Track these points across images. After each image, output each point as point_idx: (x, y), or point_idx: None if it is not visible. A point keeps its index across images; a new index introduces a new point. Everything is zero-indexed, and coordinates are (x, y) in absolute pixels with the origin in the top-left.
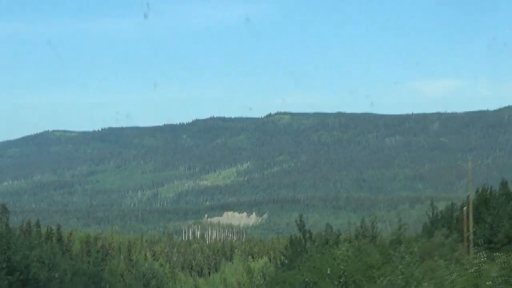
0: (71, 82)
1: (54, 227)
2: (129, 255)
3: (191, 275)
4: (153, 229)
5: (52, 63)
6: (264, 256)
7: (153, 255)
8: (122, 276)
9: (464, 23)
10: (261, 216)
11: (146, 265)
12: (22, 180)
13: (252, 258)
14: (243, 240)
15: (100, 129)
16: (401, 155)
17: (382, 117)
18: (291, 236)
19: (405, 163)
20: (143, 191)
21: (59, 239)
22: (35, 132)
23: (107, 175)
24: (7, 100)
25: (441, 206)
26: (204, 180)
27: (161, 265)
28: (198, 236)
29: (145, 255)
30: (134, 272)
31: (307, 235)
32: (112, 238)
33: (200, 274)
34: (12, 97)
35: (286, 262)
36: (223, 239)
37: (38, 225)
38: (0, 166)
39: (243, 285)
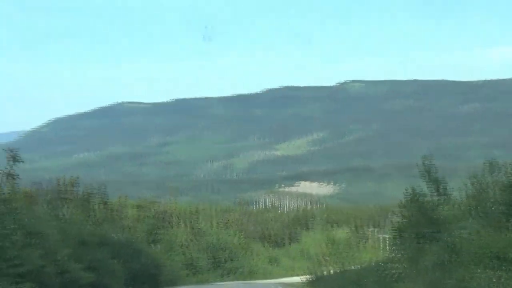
0: (142, 53)
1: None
2: (192, 222)
3: (267, 246)
4: (226, 199)
5: (124, 35)
6: (347, 225)
7: (224, 223)
8: (184, 247)
9: None
10: (336, 185)
11: (215, 234)
12: (95, 152)
13: (332, 227)
14: (321, 208)
15: (171, 100)
16: (478, 122)
17: (457, 84)
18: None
19: (482, 131)
20: (215, 162)
21: (105, 204)
22: (107, 104)
23: (179, 146)
24: (79, 73)
25: None
26: (276, 150)
27: (234, 234)
28: (273, 205)
29: (213, 223)
30: (199, 242)
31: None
32: (175, 204)
33: (277, 244)
34: (85, 70)
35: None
36: (300, 208)
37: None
38: (73, 138)
39: (326, 256)
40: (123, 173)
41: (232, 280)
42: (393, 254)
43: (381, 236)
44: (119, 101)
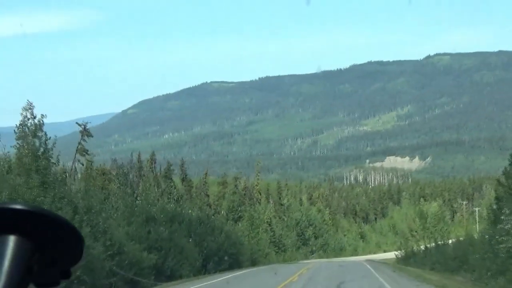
0: (228, 32)
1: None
2: (280, 199)
3: (355, 222)
4: (313, 176)
5: (209, 15)
6: (437, 198)
7: (310, 198)
8: (269, 224)
9: None
10: (425, 160)
11: (302, 210)
12: (182, 132)
13: (424, 200)
14: (409, 183)
15: (257, 79)
16: None
17: None
18: None
19: None
20: (302, 139)
21: (183, 180)
22: (193, 85)
23: (266, 124)
24: (165, 55)
25: None
26: (364, 126)
27: (319, 211)
28: (361, 181)
29: (300, 199)
30: (285, 218)
31: None
32: (258, 179)
33: (366, 220)
34: (170, 51)
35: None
36: (388, 183)
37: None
38: (161, 119)
39: (416, 231)
40: (212, 152)
41: (321, 258)
42: (508, 225)
43: (476, 209)
44: (206, 81)
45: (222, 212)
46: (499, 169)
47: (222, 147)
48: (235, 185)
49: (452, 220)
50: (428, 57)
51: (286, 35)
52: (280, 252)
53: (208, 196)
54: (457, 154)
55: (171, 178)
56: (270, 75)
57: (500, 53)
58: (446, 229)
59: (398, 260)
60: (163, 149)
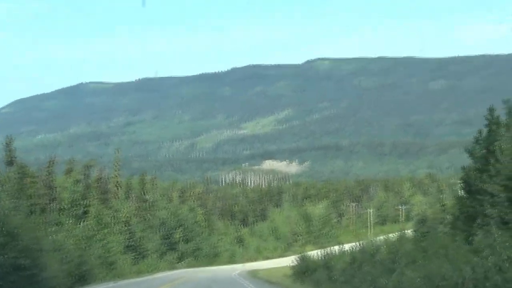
0: (103, 33)
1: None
2: (143, 194)
3: (233, 224)
4: (189, 179)
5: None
6: (324, 200)
7: (181, 196)
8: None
9: None
10: (303, 164)
11: (169, 208)
12: (59, 133)
13: (310, 201)
14: (290, 185)
15: (136, 80)
16: (447, 99)
17: (425, 61)
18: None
19: (451, 108)
20: (180, 141)
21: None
22: (70, 84)
23: (144, 125)
24: (42, 53)
25: None
26: (243, 129)
27: (191, 209)
28: (238, 182)
29: (170, 197)
30: (149, 217)
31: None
32: (117, 170)
33: (244, 223)
34: (48, 50)
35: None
36: (268, 184)
37: None
38: (36, 119)
39: (300, 235)
40: (87, 153)
41: (190, 267)
42: None
43: (369, 210)
44: (83, 81)
45: (64, 206)
46: (378, 173)
47: (98, 148)
48: (85, 174)
49: (339, 223)
50: (309, 61)
51: (165, 38)
52: (140, 259)
53: (52, 188)
54: (336, 158)
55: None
56: (150, 76)
57: (380, 59)
58: (334, 233)
59: (295, 272)
60: (37, 149)
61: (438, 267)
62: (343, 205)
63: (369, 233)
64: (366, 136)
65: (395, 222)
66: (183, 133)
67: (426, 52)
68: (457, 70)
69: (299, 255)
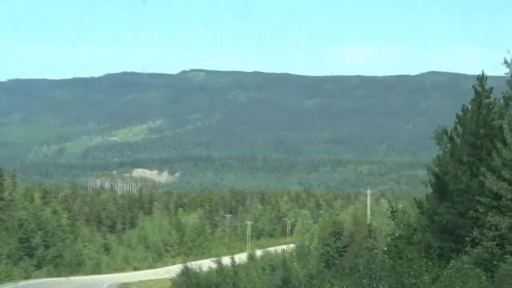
0: None
1: None
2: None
3: (99, 231)
4: (57, 183)
5: None
6: (198, 209)
7: (44, 197)
8: None
9: None
10: (174, 174)
11: (29, 209)
12: None
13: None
14: (161, 193)
15: (5, 80)
16: (320, 117)
17: (301, 78)
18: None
19: (324, 126)
20: (49, 145)
21: None
22: None
23: (12, 127)
24: None
25: (364, 169)
26: (113, 136)
27: (54, 212)
28: (108, 189)
29: (32, 197)
30: (4, 218)
31: None
32: None
33: (112, 229)
34: None
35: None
36: (138, 191)
37: None
38: None
39: (172, 246)
40: None
41: (49, 276)
42: None
43: (249, 222)
44: None
45: None
46: (249, 188)
47: None
48: None
49: (213, 234)
50: (184, 72)
51: (39, 39)
52: None
53: None
54: (207, 170)
55: None
56: (20, 77)
57: (255, 73)
58: (207, 245)
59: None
60: None
61: None
62: (218, 215)
63: (247, 246)
64: (238, 150)
65: (271, 236)
66: (52, 137)
67: (303, 70)
68: (332, 89)
69: (181, 265)
